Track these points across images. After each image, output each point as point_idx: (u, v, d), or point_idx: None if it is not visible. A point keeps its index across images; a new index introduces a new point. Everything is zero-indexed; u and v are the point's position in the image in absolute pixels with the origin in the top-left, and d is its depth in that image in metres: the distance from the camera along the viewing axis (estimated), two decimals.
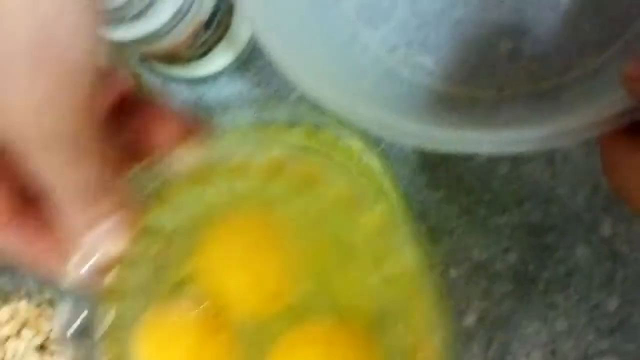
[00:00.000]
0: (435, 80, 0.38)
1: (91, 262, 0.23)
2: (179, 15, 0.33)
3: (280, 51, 0.31)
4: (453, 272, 0.43)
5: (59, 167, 0.19)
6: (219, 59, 0.43)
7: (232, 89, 0.46)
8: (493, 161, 0.42)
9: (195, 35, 0.38)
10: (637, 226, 0.41)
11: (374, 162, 0.41)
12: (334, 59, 0.35)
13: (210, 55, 0.42)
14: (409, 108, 0.34)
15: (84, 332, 0.25)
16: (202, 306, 0.27)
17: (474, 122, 0.34)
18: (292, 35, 0.32)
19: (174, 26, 0.34)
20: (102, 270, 0.23)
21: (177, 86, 0.47)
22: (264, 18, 0.31)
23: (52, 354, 0.44)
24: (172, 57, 0.40)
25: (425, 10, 0.39)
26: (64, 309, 0.25)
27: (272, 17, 0.31)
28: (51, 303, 0.46)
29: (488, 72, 0.38)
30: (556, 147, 0.30)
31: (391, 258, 0.27)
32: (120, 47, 0.37)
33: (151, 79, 0.47)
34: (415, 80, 0.38)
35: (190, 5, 0.34)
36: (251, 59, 0.45)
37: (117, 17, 0.31)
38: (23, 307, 0.45)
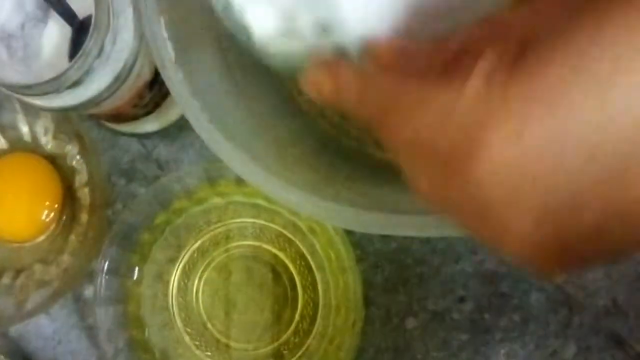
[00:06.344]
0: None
1: None
2: (118, 81, 0.33)
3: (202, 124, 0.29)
4: (410, 323, 0.42)
5: None
6: (167, 115, 0.43)
7: (183, 142, 0.45)
8: None
9: (139, 95, 0.37)
10: (590, 272, 0.41)
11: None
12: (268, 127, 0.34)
13: (157, 111, 0.41)
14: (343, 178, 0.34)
15: None
16: None
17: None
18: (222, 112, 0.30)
19: (114, 92, 0.33)
20: None
21: (127, 140, 0.46)
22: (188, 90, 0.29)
23: None
24: (118, 116, 0.40)
25: None
26: None
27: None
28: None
29: None
30: None
31: None
32: (62, 110, 0.36)
33: (100, 134, 0.46)
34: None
35: (130, 70, 0.33)
36: None
37: (52, 88, 0.31)
38: None
